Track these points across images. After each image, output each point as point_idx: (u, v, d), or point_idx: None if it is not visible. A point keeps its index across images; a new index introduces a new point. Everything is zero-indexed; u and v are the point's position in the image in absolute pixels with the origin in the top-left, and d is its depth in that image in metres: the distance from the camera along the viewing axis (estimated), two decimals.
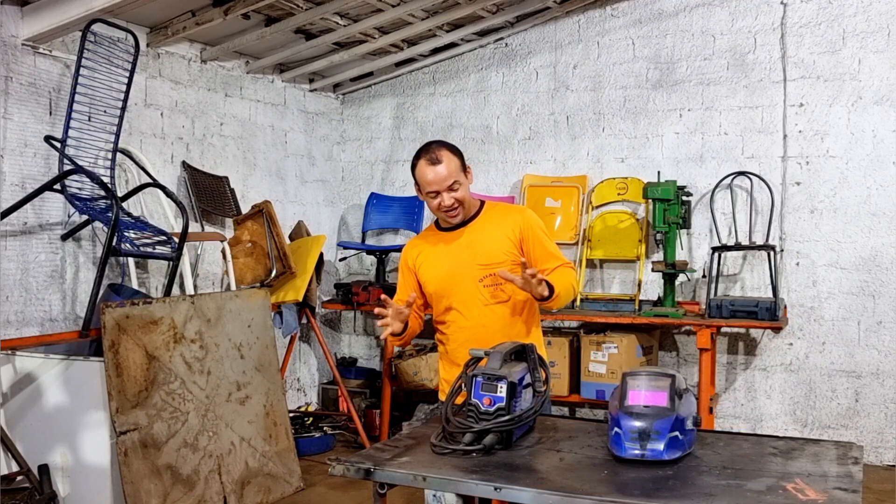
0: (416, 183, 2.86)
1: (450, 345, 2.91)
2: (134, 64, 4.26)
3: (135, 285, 4.53)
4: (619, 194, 5.56)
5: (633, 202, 5.57)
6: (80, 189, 4.09)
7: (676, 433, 2.09)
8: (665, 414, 2.10)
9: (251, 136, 5.67)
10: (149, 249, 4.09)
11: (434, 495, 2.11)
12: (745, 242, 5.28)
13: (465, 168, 2.88)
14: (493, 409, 2.17)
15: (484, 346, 2.41)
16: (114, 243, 3.77)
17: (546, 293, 2.69)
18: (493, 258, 2.83)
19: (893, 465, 5.04)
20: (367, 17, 5.19)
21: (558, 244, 3.17)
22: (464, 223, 2.90)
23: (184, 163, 5.07)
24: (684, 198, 5.16)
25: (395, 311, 2.76)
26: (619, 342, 5.06)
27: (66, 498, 3.74)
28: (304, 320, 5.46)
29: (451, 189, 2.80)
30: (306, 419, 5.73)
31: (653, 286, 5.46)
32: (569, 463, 2.15)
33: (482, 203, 2.97)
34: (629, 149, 5.66)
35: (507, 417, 2.17)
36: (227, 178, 5.35)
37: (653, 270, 5.19)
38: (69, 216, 4.29)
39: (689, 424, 2.15)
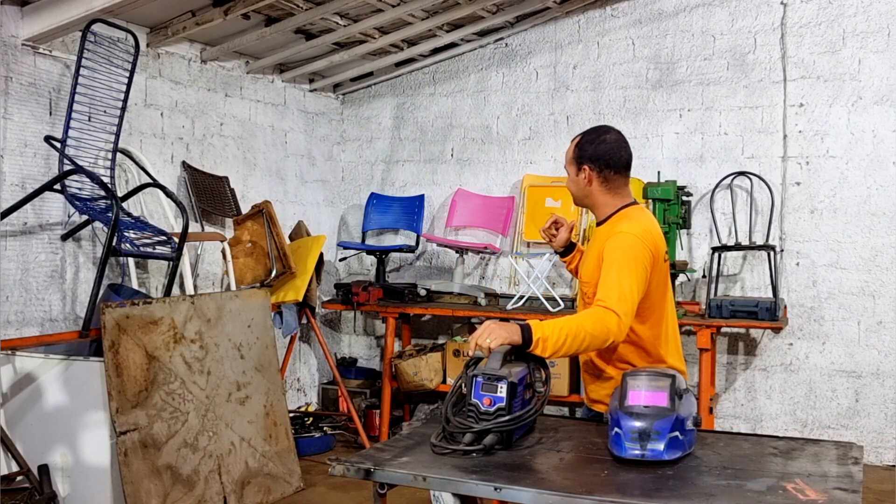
0: None
1: None
2: (134, 64, 4.25)
3: (135, 285, 4.53)
4: None
5: None
6: (80, 189, 4.08)
7: (676, 433, 2.09)
8: (665, 414, 2.11)
9: (251, 136, 5.66)
10: (149, 249, 4.09)
11: (434, 494, 2.11)
12: (745, 242, 5.28)
13: (580, 164, 2.65)
14: (493, 409, 2.17)
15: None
16: (114, 243, 3.76)
17: (518, 343, 2.27)
18: (585, 276, 2.70)
19: (893, 465, 5.04)
20: (367, 17, 5.19)
21: None
22: (599, 223, 2.73)
23: (184, 163, 5.07)
24: (684, 198, 5.16)
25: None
26: None
27: (66, 498, 3.74)
28: (304, 320, 5.45)
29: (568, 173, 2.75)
30: (306, 419, 5.72)
31: None
32: (569, 463, 2.15)
33: (619, 210, 2.67)
34: None
35: (507, 417, 2.17)
36: (227, 178, 5.35)
37: None
38: (69, 216, 4.29)
39: (689, 424, 2.15)
